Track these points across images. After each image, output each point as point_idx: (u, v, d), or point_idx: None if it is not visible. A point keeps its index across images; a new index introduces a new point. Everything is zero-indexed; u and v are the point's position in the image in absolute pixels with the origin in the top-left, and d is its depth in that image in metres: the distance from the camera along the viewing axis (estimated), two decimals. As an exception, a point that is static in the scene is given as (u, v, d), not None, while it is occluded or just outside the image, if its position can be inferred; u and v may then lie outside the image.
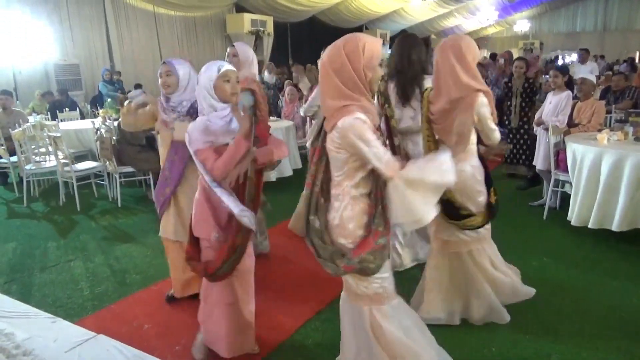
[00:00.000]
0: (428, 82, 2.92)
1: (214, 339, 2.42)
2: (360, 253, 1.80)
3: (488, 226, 2.65)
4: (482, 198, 2.53)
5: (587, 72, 7.72)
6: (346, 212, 1.84)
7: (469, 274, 2.61)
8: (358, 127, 1.71)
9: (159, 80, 2.77)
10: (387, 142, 2.87)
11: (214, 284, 2.33)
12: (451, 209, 2.46)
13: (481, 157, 2.57)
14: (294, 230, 4.03)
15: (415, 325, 2.04)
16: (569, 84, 4.97)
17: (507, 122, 5.63)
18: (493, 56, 10.91)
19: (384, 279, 1.93)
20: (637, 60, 14.87)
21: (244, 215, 2.11)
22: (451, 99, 2.37)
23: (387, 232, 1.86)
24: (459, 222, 2.51)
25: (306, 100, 4.75)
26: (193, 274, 2.62)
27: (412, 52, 3.06)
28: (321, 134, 1.91)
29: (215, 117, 2.17)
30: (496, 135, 2.47)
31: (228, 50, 3.41)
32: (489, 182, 2.57)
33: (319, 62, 1.85)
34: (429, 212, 1.74)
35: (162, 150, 2.87)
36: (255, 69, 3.47)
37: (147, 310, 3.02)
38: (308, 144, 3.13)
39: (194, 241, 2.33)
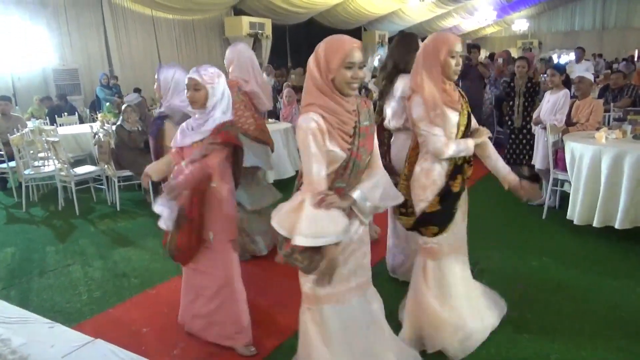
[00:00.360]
0: (402, 82, 2.89)
1: (230, 330, 2.51)
2: (286, 247, 1.81)
3: (441, 241, 2.42)
4: (422, 205, 2.35)
5: (583, 70, 7.73)
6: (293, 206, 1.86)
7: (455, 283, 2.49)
8: (303, 130, 1.74)
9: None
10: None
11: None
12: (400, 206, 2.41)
13: (457, 170, 2.39)
14: None
15: (346, 335, 2.02)
16: (567, 82, 4.96)
17: (509, 123, 5.61)
18: (491, 56, 10.90)
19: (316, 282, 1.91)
20: (636, 58, 14.84)
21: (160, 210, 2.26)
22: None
23: None
24: (396, 212, 2.47)
25: None
26: None
27: (394, 51, 3.06)
28: None
29: (192, 121, 2.29)
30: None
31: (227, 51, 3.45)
32: (443, 193, 2.35)
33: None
34: (294, 232, 1.73)
35: None
36: (247, 73, 3.43)
37: (145, 314, 3.01)
38: None
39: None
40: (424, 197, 2.35)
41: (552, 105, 4.61)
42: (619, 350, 2.48)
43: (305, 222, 1.72)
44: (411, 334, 2.45)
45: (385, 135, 3.09)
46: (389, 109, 3.01)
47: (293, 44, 15.26)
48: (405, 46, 2.99)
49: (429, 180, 2.34)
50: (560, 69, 4.79)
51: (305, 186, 1.79)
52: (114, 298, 3.27)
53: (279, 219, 1.81)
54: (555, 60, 12.07)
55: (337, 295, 1.98)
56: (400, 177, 2.50)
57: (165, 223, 2.32)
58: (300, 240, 1.72)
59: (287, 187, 5.22)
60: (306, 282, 1.96)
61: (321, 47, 1.79)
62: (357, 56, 1.75)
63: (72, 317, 3.02)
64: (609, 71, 9.02)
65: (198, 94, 2.24)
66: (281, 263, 1.91)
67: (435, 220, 2.37)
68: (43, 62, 8.78)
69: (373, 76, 8.09)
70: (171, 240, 2.45)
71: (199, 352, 2.58)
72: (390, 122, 3.00)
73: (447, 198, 2.36)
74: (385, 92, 3.03)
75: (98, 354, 1.52)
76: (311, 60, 1.80)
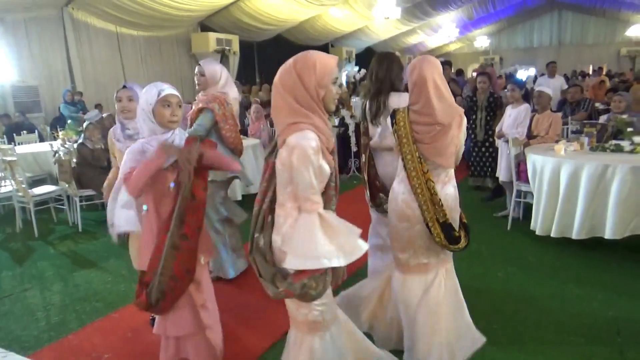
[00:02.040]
0: (396, 99, 2.90)
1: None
2: (302, 278, 1.71)
3: None
4: (457, 217, 2.45)
5: (558, 86, 7.98)
6: (287, 234, 1.74)
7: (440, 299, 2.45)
8: (302, 148, 1.66)
9: (117, 105, 2.69)
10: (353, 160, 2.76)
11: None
12: (449, 231, 2.34)
13: None
14: None
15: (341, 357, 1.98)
16: (526, 97, 5.13)
17: (473, 136, 5.76)
18: (459, 72, 11.19)
19: (325, 304, 1.87)
20: (591, 73, 15.52)
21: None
22: (440, 120, 2.27)
23: None
24: (452, 246, 2.37)
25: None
26: None
27: (379, 69, 3.06)
28: (274, 151, 1.82)
29: (155, 141, 2.08)
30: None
31: (196, 69, 3.40)
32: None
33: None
34: (330, 257, 1.66)
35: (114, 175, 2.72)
36: (228, 87, 3.45)
37: (107, 340, 2.89)
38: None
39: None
40: (460, 211, 2.48)
41: (513, 119, 4.75)
42: (583, 356, 2.53)
43: (338, 240, 1.68)
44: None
45: (370, 154, 3.08)
46: (379, 129, 2.99)
47: (261, 60, 15.28)
48: (388, 64, 3.00)
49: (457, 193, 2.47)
50: (520, 84, 4.95)
51: (307, 204, 1.70)
52: (74, 323, 3.13)
53: (300, 254, 1.67)
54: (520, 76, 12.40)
55: (336, 313, 1.98)
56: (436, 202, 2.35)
57: (129, 224, 2.15)
58: (342, 260, 1.66)
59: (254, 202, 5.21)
60: (312, 310, 1.85)
61: (312, 61, 1.71)
62: (337, 71, 1.77)
63: (28, 345, 2.88)
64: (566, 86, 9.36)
65: (178, 111, 2.15)
66: (278, 299, 1.81)
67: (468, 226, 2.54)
68: (0, 79, 8.49)
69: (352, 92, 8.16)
70: (164, 268, 2.04)
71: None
72: (385, 139, 2.92)
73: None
74: (377, 113, 3.00)
75: None
76: (296, 77, 1.71)
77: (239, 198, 5.14)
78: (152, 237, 2.11)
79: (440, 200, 2.31)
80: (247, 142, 5.79)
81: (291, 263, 1.69)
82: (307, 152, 1.66)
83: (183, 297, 2.15)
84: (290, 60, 1.75)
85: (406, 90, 2.52)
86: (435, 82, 2.26)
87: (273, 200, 1.81)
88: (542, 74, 10.29)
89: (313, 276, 1.71)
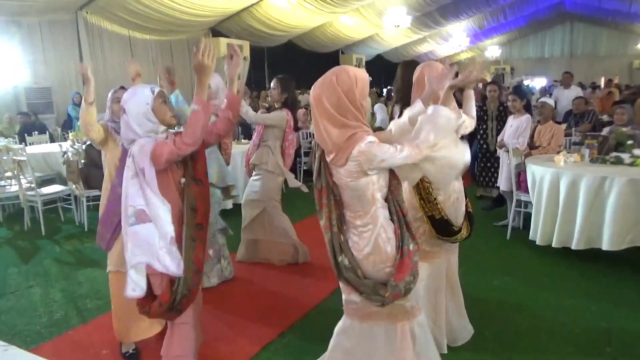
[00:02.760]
0: None
1: None
2: (403, 277, 1.84)
3: None
4: (463, 209, 2.59)
5: (574, 96, 7.89)
6: (381, 237, 1.86)
7: (441, 285, 2.61)
8: (375, 146, 1.78)
9: (114, 106, 2.74)
10: None
11: None
12: (444, 225, 2.48)
13: None
14: (244, 261, 4.05)
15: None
16: (527, 107, 5.15)
17: (484, 145, 5.75)
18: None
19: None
20: (602, 85, 15.41)
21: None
22: None
23: (418, 248, 1.93)
24: (451, 238, 2.53)
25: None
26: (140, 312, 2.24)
27: (404, 76, 3.10)
28: (322, 173, 1.90)
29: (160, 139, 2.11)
30: None
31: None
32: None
33: (311, 99, 1.84)
34: (464, 153, 1.87)
35: (108, 170, 2.74)
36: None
37: (106, 336, 2.94)
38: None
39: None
40: (463, 202, 2.63)
41: (515, 129, 4.78)
42: (572, 366, 2.55)
43: (449, 149, 1.85)
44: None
45: None
46: None
47: (271, 65, 15.42)
48: (409, 72, 3.03)
49: (461, 184, 2.62)
50: (521, 94, 4.98)
51: (414, 156, 1.80)
52: (75, 320, 3.21)
53: (444, 174, 1.92)
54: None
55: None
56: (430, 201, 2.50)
57: (174, 267, 2.02)
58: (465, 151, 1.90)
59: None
60: (409, 300, 1.94)
61: (353, 75, 1.82)
62: None
63: (30, 339, 2.95)
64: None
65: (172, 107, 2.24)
66: (388, 304, 1.87)
67: (473, 216, 2.70)
68: (15, 81, 8.68)
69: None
70: (187, 262, 2.05)
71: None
72: None
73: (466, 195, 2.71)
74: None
75: None
76: (341, 93, 1.79)
77: (230, 207, 5.15)
78: None
79: (434, 198, 2.43)
80: (252, 146, 5.86)
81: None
82: (379, 145, 1.78)
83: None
84: (330, 76, 1.83)
85: None
86: None
87: (338, 219, 1.90)
88: (551, 85, 10.19)
89: (411, 272, 1.85)
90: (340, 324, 2.05)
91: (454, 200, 2.51)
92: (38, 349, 2.80)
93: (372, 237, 1.86)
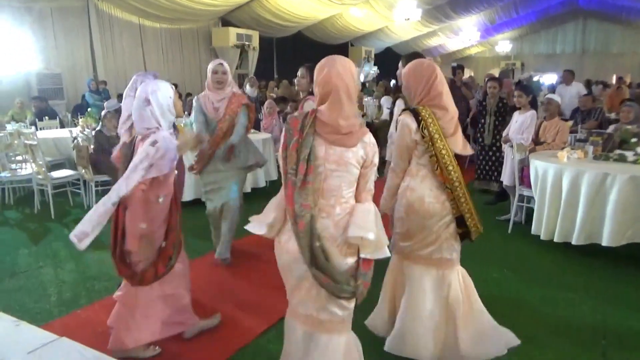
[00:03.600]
0: None
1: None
2: (370, 266, 1.92)
3: None
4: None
5: (575, 93, 7.93)
6: None
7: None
8: (375, 145, 1.93)
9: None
10: None
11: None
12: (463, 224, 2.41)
13: None
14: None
15: None
16: (533, 103, 5.16)
17: (480, 140, 5.82)
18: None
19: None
20: (614, 82, 15.26)
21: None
22: (454, 115, 2.39)
23: None
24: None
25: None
26: None
27: None
28: (311, 154, 1.84)
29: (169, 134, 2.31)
30: None
31: (215, 67, 3.55)
32: None
33: (337, 81, 1.84)
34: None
35: None
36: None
37: (113, 316, 3.05)
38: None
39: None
40: None
41: (519, 124, 4.80)
42: (567, 356, 2.61)
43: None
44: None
45: None
46: None
47: (280, 56, 15.44)
48: None
49: None
50: (527, 89, 5.00)
51: (370, 196, 1.96)
52: (84, 300, 3.31)
53: (377, 233, 1.87)
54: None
55: None
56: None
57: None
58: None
59: (261, 196, 5.34)
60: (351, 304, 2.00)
61: (350, 66, 1.89)
62: None
63: (39, 317, 3.05)
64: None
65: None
66: (362, 294, 1.92)
67: None
68: (26, 66, 8.78)
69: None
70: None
71: (166, 352, 2.64)
72: None
73: None
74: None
75: (63, 351, 1.57)
76: (350, 77, 1.87)
77: (249, 190, 5.29)
78: (153, 226, 2.35)
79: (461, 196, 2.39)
80: (259, 136, 5.96)
81: (353, 231, 1.85)
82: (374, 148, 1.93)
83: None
84: (348, 65, 1.89)
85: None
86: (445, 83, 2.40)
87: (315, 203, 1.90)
88: (556, 82, 10.21)
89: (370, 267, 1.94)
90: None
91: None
92: (47, 325, 2.88)
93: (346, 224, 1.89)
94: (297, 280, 1.94)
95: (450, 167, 2.32)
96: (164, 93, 2.23)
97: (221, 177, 3.69)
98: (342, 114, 1.84)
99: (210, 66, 3.59)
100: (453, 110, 2.37)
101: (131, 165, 2.26)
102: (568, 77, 8.36)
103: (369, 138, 1.89)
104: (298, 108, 3.66)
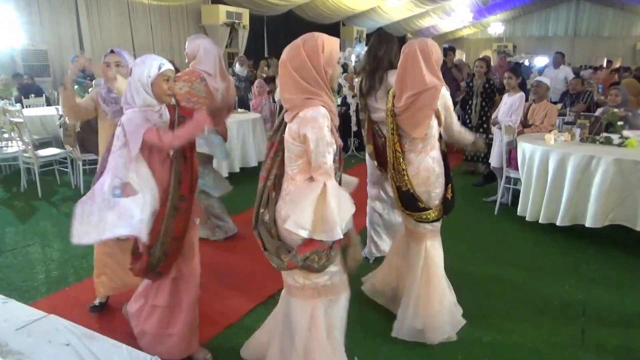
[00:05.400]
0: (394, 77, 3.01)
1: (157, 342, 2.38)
2: (305, 251, 1.83)
3: (439, 223, 2.66)
4: (439, 191, 2.55)
5: (562, 77, 7.94)
6: None
7: (423, 269, 2.61)
8: (319, 122, 1.77)
9: (105, 69, 2.73)
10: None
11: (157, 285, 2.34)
12: (410, 199, 2.52)
13: (444, 153, 2.61)
14: None
15: (341, 326, 2.08)
16: (523, 85, 5.18)
17: (468, 121, 5.85)
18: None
19: (333, 273, 1.96)
20: (604, 66, 15.32)
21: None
22: (414, 92, 2.43)
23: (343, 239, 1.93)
24: (414, 214, 2.56)
25: None
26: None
27: (378, 49, 3.18)
28: (280, 128, 1.93)
29: (151, 112, 2.14)
30: (458, 127, 2.65)
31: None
32: (447, 177, 2.59)
33: (283, 56, 1.84)
34: (338, 227, 1.78)
35: (103, 138, 2.80)
36: (201, 64, 3.40)
37: (101, 294, 3.06)
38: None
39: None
40: (439, 184, 2.56)
41: (508, 107, 4.83)
42: (547, 332, 2.68)
43: (338, 213, 1.78)
44: (418, 324, 2.55)
45: (376, 129, 3.21)
46: (376, 103, 3.16)
47: (271, 35, 15.24)
48: (387, 44, 3.16)
49: (441, 168, 2.56)
50: (516, 71, 5.01)
51: (320, 176, 1.81)
52: (72, 278, 3.31)
53: (300, 220, 1.77)
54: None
55: (345, 282, 2.06)
56: (399, 171, 2.56)
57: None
58: (338, 234, 1.78)
59: (251, 176, 5.34)
60: (320, 277, 1.94)
61: (321, 42, 1.80)
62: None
63: (27, 295, 3.06)
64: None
65: (173, 86, 2.22)
66: (283, 270, 1.92)
67: (451, 204, 2.63)
68: (11, 42, 8.58)
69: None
70: (167, 229, 2.16)
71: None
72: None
73: (450, 181, 2.63)
74: (371, 88, 3.17)
75: (51, 328, 1.58)
76: (305, 57, 1.79)
77: (226, 175, 5.23)
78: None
79: (404, 169, 2.51)
80: (248, 115, 5.92)
81: (290, 225, 1.79)
82: (322, 126, 1.77)
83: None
84: (298, 41, 1.84)
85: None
86: (418, 61, 2.43)
87: (277, 177, 1.94)
88: (545, 65, 10.20)
89: (316, 250, 1.83)
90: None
91: (424, 178, 2.51)
92: (35, 303, 2.89)
93: (311, 197, 1.83)
94: None
95: (389, 143, 2.63)
96: (141, 69, 2.09)
97: None
98: (285, 89, 1.85)
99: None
100: (404, 98, 2.49)
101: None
102: (558, 59, 8.36)
103: (305, 113, 1.78)
104: None
